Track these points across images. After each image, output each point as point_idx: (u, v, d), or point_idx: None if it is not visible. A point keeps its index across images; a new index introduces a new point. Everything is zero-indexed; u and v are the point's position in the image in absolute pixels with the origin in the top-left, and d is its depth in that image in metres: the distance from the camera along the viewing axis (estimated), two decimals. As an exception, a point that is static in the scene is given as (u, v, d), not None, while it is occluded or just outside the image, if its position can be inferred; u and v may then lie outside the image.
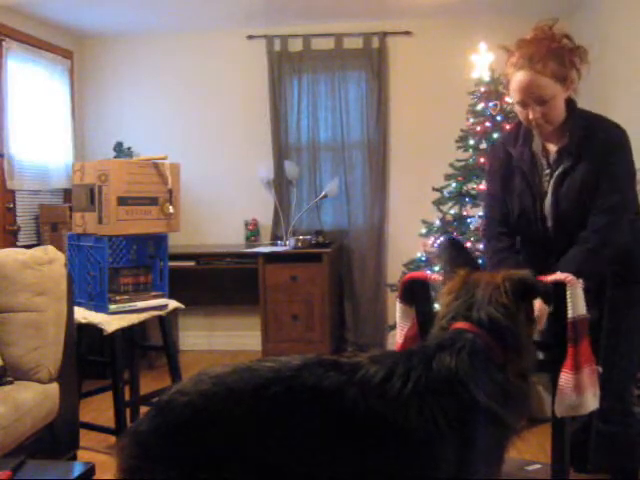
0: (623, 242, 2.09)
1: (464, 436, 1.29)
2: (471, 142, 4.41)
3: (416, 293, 1.98)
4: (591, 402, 1.72)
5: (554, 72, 2.04)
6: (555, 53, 2.04)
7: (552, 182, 2.19)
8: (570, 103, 2.18)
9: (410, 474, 1.30)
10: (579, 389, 1.68)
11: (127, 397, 3.58)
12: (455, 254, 1.73)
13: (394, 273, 5.08)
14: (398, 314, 1.99)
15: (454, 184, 4.42)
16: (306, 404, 1.33)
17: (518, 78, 2.08)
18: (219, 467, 1.32)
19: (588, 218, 2.11)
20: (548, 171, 2.22)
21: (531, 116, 2.11)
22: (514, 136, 2.29)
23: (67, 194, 5.27)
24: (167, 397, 1.44)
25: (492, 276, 1.55)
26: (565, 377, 1.69)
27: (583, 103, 2.26)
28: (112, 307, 3.25)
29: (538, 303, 1.76)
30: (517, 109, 2.19)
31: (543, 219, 2.23)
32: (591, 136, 2.12)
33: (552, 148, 2.22)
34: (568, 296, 1.67)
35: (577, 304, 1.68)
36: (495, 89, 4.44)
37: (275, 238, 5.45)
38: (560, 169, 2.17)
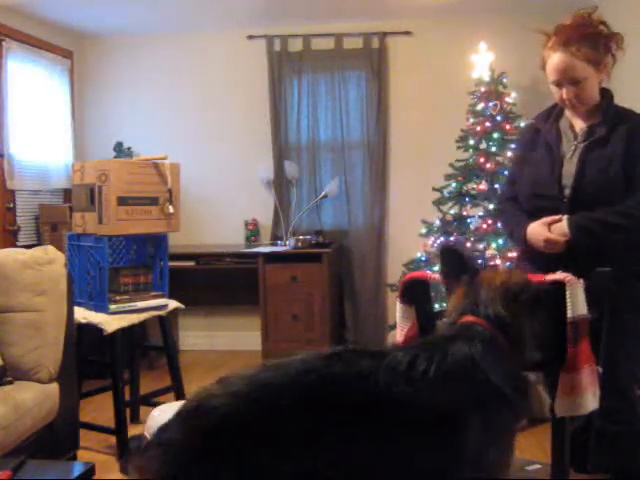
0: None
1: (483, 416, 1.37)
2: (471, 142, 4.41)
3: (416, 293, 1.98)
4: (591, 402, 1.72)
5: (587, 56, 2.17)
6: (590, 38, 2.18)
7: (579, 152, 2.28)
8: (606, 92, 2.30)
9: (440, 453, 1.36)
10: (578, 389, 1.68)
11: (127, 397, 3.59)
12: (453, 261, 1.72)
13: (394, 273, 5.08)
14: (398, 314, 2.00)
15: (454, 184, 4.42)
16: (341, 389, 1.36)
17: (553, 60, 2.23)
18: (267, 465, 1.30)
19: (607, 196, 2.18)
20: (574, 143, 2.32)
21: (564, 96, 2.25)
22: (547, 114, 2.42)
23: (67, 194, 5.27)
24: (196, 402, 1.39)
25: (490, 281, 1.62)
26: (565, 377, 1.69)
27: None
28: (112, 307, 3.25)
29: (559, 228, 2.14)
30: (552, 89, 2.31)
31: (560, 189, 2.28)
32: (624, 119, 2.24)
33: (581, 124, 2.33)
34: (568, 296, 1.67)
35: (577, 304, 1.68)
36: (495, 89, 4.45)
37: (275, 238, 5.45)
38: (590, 139, 2.27)
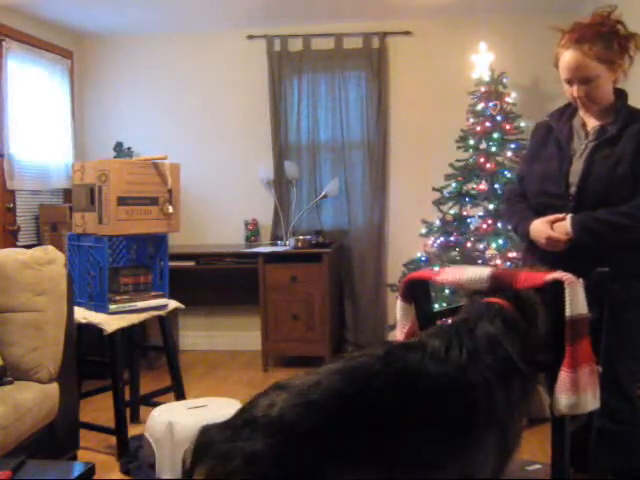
0: None
1: (505, 386, 1.55)
2: (471, 142, 4.42)
3: (416, 292, 1.98)
4: (590, 402, 1.72)
5: (599, 54, 2.17)
6: (604, 37, 2.17)
7: (588, 150, 2.28)
8: (621, 92, 2.30)
9: (482, 418, 1.52)
10: (577, 388, 1.68)
11: (127, 397, 3.59)
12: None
13: (394, 273, 5.08)
14: (399, 312, 2.00)
15: (454, 184, 4.42)
16: (405, 382, 1.48)
17: (565, 58, 2.23)
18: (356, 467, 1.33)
19: (613, 196, 2.18)
20: (585, 142, 2.31)
21: (575, 94, 2.25)
22: (561, 112, 2.42)
23: (67, 194, 5.27)
24: (268, 413, 1.32)
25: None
26: (563, 375, 1.69)
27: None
28: (112, 307, 3.25)
29: (561, 227, 2.20)
30: (564, 86, 2.31)
31: (567, 187, 2.29)
32: (637, 119, 2.23)
33: (593, 123, 2.32)
34: (567, 294, 1.67)
35: (576, 303, 1.68)
36: (495, 89, 4.45)
37: (275, 238, 5.45)
38: (600, 138, 2.27)
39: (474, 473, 1.50)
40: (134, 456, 3.13)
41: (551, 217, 2.26)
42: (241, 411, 1.38)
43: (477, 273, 1.82)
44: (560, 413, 1.73)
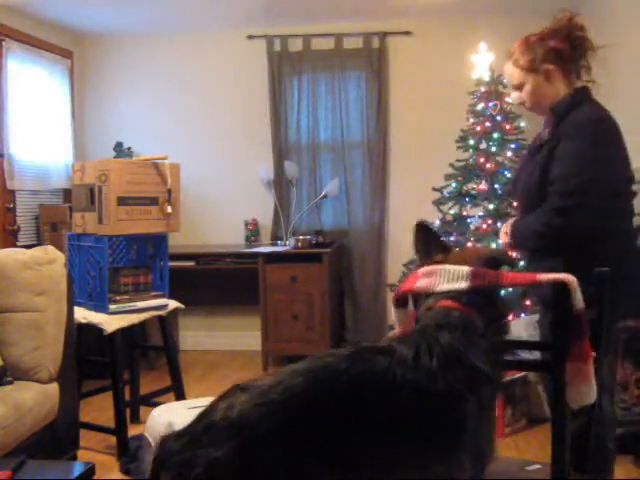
0: (583, 225, 2.12)
1: (477, 397, 1.47)
2: (471, 142, 4.41)
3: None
4: (595, 391, 1.74)
5: (522, 63, 2.28)
6: (530, 46, 2.27)
7: (528, 156, 2.42)
8: (575, 93, 2.28)
9: (452, 425, 1.45)
10: (588, 378, 1.70)
11: (127, 397, 3.59)
12: (427, 238, 1.78)
13: (394, 273, 5.08)
14: (395, 318, 1.99)
15: (454, 184, 4.42)
16: (370, 383, 1.41)
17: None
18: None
19: (533, 201, 2.24)
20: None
21: (515, 100, 2.44)
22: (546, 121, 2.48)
23: (67, 194, 5.27)
24: (227, 416, 1.28)
25: (463, 256, 1.71)
26: (574, 367, 1.69)
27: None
28: (112, 307, 3.25)
29: (503, 228, 2.36)
30: None
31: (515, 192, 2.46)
32: (565, 121, 2.23)
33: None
34: (573, 290, 1.68)
35: (579, 299, 1.69)
36: (495, 89, 4.44)
37: (275, 238, 5.45)
38: (534, 144, 2.40)
39: None
40: (134, 456, 3.13)
41: (513, 219, 2.43)
42: (200, 417, 1.33)
43: (455, 274, 1.80)
44: (578, 405, 1.74)
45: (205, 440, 1.26)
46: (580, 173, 2.12)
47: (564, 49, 2.25)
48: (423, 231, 1.79)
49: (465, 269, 1.64)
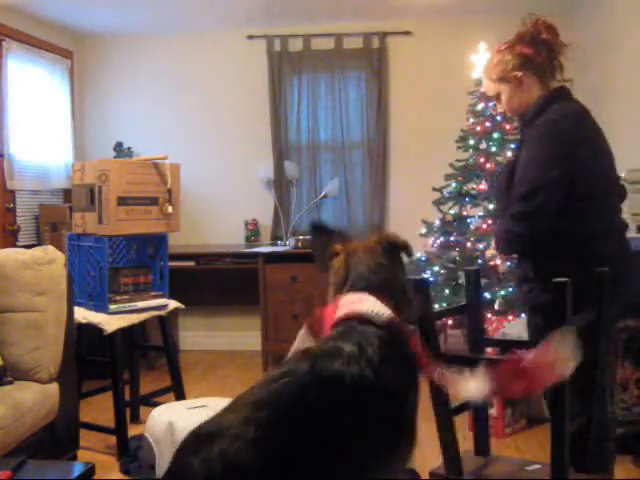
0: (541, 229, 2.11)
1: (415, 385, 1.55)
2: (471, 142, 4.41)
3: (416, 295, 1.97)
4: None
5: (494, 75, 2.31)
6: (500, 56, 2.30)
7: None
8: (547, 95, 2.25)
9: (408, 417, 1.52)
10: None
11: (127, 397, 3.59)
12: (322, 238, 1.81)
13: (394, 273, 5.07)
14: (300, 342, 1.97)
15: (454, 184, 4.42)
16: (334, 388, 1.41)
17: None
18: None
19: (503, 204, 2.26)
20: None
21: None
22: None
23: (67, 194, 5.27)
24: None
25: (363, 243, 1.78)
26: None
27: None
28: (112, 307, 3.25)
29: None
30: None
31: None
32: (534, 124, 2.22)
33: None
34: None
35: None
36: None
37: (275, 238, 5.45)
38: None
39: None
40: (134, 456, 3.13)
41: None
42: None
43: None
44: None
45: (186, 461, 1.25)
46: (533, 177, 2.09)
47: (532, 54, 2.24)
48: (318, 231, 1.82)
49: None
